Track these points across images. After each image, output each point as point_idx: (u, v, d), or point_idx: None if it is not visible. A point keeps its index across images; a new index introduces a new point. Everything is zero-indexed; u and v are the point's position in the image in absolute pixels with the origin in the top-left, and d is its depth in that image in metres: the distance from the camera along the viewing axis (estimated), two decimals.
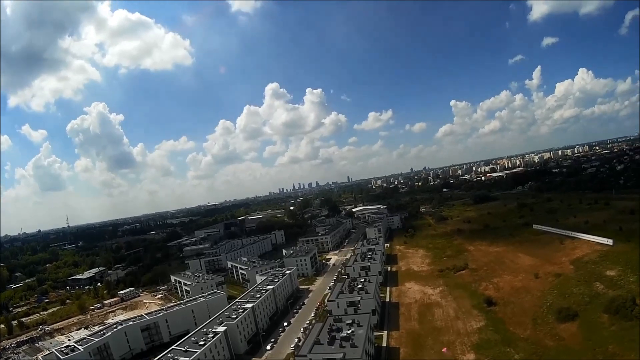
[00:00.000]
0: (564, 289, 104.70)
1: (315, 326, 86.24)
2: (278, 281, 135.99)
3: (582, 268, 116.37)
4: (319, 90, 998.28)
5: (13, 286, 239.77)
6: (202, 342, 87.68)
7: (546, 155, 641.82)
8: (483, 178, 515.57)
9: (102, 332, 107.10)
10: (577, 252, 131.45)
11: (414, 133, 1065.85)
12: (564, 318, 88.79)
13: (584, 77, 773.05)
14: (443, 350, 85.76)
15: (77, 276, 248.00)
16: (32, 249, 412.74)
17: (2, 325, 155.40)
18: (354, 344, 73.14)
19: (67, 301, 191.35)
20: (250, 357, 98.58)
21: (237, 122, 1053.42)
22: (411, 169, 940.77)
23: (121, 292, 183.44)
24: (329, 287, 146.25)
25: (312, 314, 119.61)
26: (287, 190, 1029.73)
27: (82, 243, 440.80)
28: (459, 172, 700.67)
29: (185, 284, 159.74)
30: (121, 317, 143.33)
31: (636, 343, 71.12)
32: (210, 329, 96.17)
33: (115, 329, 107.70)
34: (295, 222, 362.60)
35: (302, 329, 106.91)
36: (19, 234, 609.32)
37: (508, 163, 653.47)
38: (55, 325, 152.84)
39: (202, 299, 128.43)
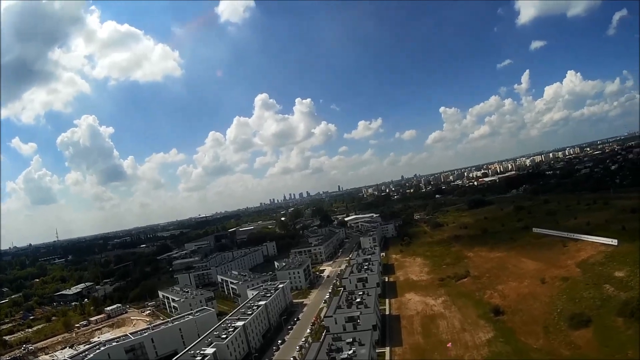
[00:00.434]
0: (573, 294, 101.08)
1: (313, 346, 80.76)
2: (270, 296, 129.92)
3: (589, 270, 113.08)
4: (308, 100, 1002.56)
5: None
6: None
7: (537, 158, 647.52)
8: (476, 183, 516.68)
9: (84, 354, 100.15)
10: (582, 254, 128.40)
11: (404, 140, 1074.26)
12: (577, 324, 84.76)
13: (572, 79, 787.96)
14: (448, 345, 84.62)
15: (63, 292, 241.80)
16: (21, 263, 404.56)
17: None
18: None
19: (53, 318, 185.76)
20: None
21: (227, 134, 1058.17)
22: (402, 176, 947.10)
23: (108, 308, 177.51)
24: (324, 300, 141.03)
25: (308, 330, 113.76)
26: (278, 200, 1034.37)
27: (71, 257, 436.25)
28: (451, 178, 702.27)
29: (173, 300, 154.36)
30: (108, 335, 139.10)
31: None
32: (198, 351, 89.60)
33: (97, 350, 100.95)
34: (287, 232, 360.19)
35: (297, 347, 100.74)
36: (10, 247, 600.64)
37: (500, 167, 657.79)
38: (40, 344, 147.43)
39: (191, 317, 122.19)
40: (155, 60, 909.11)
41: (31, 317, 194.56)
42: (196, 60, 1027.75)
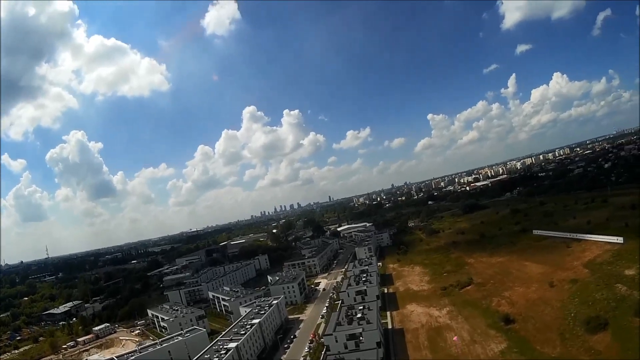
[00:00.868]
0: (585, 296, 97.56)
1: None
2: (264, 313, 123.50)
3: (598, 271, 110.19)
4: (297, 111, 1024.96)
5: None
6: None
7: (528, 161, 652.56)
8: (468, 188, 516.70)
9: None
10: (588, 254, 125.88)
11: (392, 149, 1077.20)
12: (594, 328, 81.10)
13: (558, 81, 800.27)
14: (454, 339, 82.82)
15: (51, 311, 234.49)
16: (11, 281, 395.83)
17: None
18: None
19: (40, 338, 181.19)
20: None
21: (215, 147, 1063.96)
22: (392, 184, 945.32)
23: (96, 328, 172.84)
24: (322, 315, 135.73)
25: (306, 349, 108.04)
26: (269, 213, 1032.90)
27: (61, 274, 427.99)
28: (442, 184, 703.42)
29: (162, 319, 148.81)
30: (95, 357, 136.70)
31: None
32: None
33: None
34: (279, 245, 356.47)
35: None
36: (1, 265, 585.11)
37: (490, 171, 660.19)
38: None
39: (180, 338, 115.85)
40: (142, 74, 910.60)
41: (18, 338, 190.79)
42: (183, 73, 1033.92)
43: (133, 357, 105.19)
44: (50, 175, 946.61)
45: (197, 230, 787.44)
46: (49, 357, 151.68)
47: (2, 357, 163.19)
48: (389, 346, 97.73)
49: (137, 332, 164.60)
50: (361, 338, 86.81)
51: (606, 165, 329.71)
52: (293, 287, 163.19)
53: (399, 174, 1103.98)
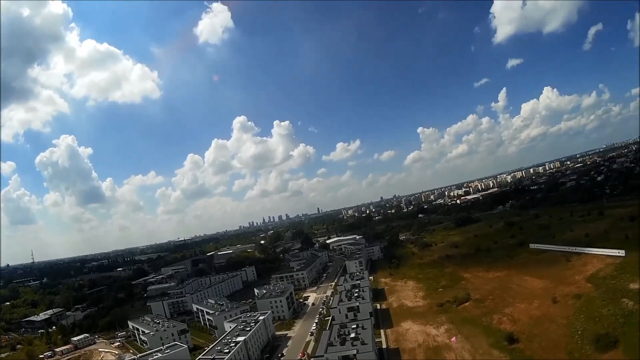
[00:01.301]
0: (591, 312, 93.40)
1: None
2: (250, 330, 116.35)
3: (601, 285, 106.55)
4: (287, 122, 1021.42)
5: None
6: None
7: (518, 174, 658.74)
8: (458, 201, 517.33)
9: None
10: (590, 268, 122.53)
11: (382, 162, 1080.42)
12: (605, 346, 77.09)
13: (549, 95, 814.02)
14: (452, 340, 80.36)
15: (31, 317, 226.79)
16: None
17: None
18: None
19: (18, 346, 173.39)
20: None
21: (205, 156, 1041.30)
22: (381, 197, 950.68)
23: (75, 338, 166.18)
24: (311, 332, 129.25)
25: None
26: (257, 223, 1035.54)
27: (46, 279, 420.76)
28: (432, 197, 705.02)
29: (143, 332, 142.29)
30: None
31: None
32: None
33: None
34: (267, 256, 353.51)
35: None
36: None
37: (481, 185, 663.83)
38: None
39: (160, 355, 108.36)
40: (134, 80, 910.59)
41: None
42: (175, 81, 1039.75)
43: None
44: (40, 179, 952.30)
45: (184, 240, 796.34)
46: None
47: None
48: None
49: (117, 344, 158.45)
50: None
51: (599, 178, 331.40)
52: (281, 301, 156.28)
53: (388, 186, 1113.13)
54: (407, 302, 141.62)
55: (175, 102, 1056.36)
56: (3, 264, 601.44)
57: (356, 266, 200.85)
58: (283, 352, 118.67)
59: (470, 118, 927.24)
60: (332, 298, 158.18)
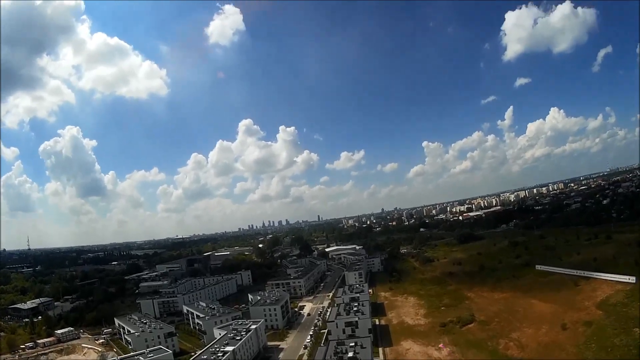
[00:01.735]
0: (602, 341, 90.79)
1: None
2: (241, 339, 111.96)
3: (612, 313, 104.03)
4: (292, 128, 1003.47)
5: None
6: None
7: (522, 194, 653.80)
8: (461, 217, 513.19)
9: None
10: (600, 294, 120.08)
11: (385, 173, 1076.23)
12: None
13: (555, 116, 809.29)
14: (440, 345, 78.53)
15: (18, 305, 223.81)
16: None
17: None
18: None
19: (1, 333, 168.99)
20: None
21: (209, 157, 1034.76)
22: (382, 208, 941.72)
23: (59, 331, 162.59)
24: (305, 345, 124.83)
25: None
26: (256, 227, 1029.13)
27: (40, 267, 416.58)
28: (434, 211, 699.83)
29: (128, 332, 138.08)
30: None
31: None
32: None
33: None
34: (264, 261, 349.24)
35: None
36: None
37: (484, 202, 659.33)
38: None
39: (142, 358, 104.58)
40: (142, 76, 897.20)
41: None
42: (182, 79, 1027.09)
43: None
44: (42, 168, 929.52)
45: (182, 238, 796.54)
46: (4, 356, 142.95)
47: None
48: None
49: (101, 341, 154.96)
50: None
51: (604, 202, 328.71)
52: (275, 310, 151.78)
53: (389, 198, 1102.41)
54: (407, 319, 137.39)
55: (181, 101, 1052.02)
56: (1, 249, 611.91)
57: (355, 278, 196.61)
58: None
59: (476, 135, 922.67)
60: (329, 310, 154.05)
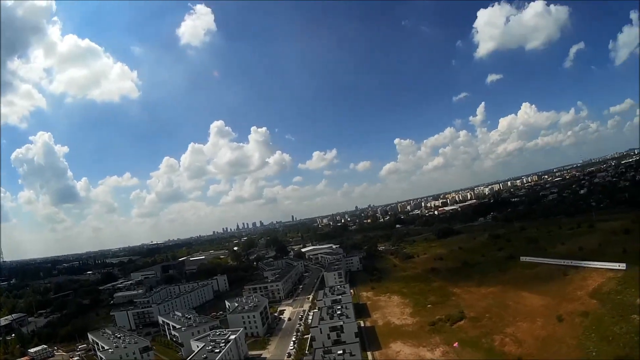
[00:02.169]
0: (602, 331, 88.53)
1: None
2: (220, 351, 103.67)
3: (607, 301, 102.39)
4: (264, 128, 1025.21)
5: None
6: None
7: (496, 187, 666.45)
8: (436, 212, 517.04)
9: None
10: (591, 283, 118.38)
11: (358, 172, 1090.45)
12: None
13: (527, 111, 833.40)
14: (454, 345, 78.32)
15: None
16: None
17: None
18: None
19: None
20: None
21: (181, 160, 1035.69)
22: (356, 206, 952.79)
23: (32, 350, 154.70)
24: (288, 352, 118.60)
25: None
26: (231, 229, 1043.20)
27: (14, 280, 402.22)
28: (408, 207, 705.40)
29: (102, 348, 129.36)
30: None
31: None
32: None
33: None
34: (239, 264, 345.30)
35: None
36: None
37: (458, 196, 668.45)
38: None
39: None
40: (114, 78, 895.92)
41: None
42: (154, 82, 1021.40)
43: None
44: (15, 176, 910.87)
45: (157, 243, 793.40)
46: None
47: None
48: None
49: (76, 358, 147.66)
50: None
51: (582, 192, 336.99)
52: (254, 316, 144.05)
53: (363, 197, 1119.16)
54: (393, 319, 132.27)
55: (153, 104, 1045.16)
56: None
57: (335, 278, 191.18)
58: None
59: (448, 131, 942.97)
60: (310, 314, 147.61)
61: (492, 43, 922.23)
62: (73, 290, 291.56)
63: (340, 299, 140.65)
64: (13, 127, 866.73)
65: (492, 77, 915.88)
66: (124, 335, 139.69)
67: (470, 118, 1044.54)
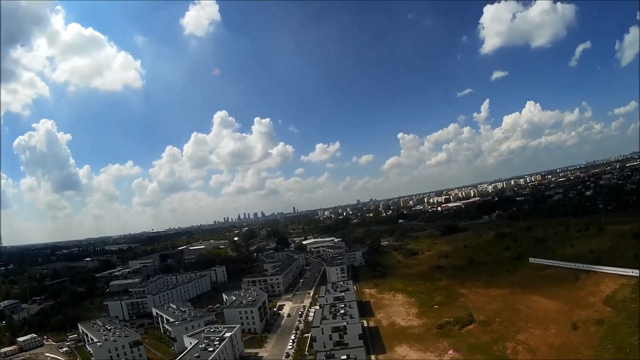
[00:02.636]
0: (618, 342, 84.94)
1: None
2: (214, 350, 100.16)
3: (622, 309, 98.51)
4: (267, 120, 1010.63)
5: None
6: None
7: (499, 185, 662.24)
8: (439, 208, 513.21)
9: None
10: (604, 289, 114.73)
11: (360, 165, 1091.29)
12: None
13: (531, 109, 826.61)
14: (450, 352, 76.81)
15: None
16: None
17: None
18: None
19: None
20: None
21: (184, 149, 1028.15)
22: (358, 200, 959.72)
23: (21, 339, 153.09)
24: (287, 352, 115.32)
25: None
26: (232, 219, 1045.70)
27: (12, 266, 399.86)
28: (411, 202, 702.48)
29: (91, 340, 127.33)
30: None
31: None
32: None
33: None
34: (239, 255, 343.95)
35: None
36: None
37: (461, 193, 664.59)
38: None
39: None
40: (117, 68, 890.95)
41: None
42: (157, 71, 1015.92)
43: None
44: (17, 163, 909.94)
45: (157, 232, 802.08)
46: None
47: None
48: None
49: (65, 349, 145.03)
50: None
51: (587, 193, 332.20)
52: (252, 312, 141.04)
53: (365, 190, 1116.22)
54: (398, 319, 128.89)
55: (156, 93, 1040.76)
56: None
57: (337, 273, 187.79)
58: None
59: (452, 127, 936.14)
60: (311, 311, 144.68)
61: (497, 39, 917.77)
62: (69, 278, 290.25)
63: (343, 296, 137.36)
64: (16, 114, 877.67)
65: (497, 74, 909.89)
66: (114, 328, 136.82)
67: (475, 114, 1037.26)
